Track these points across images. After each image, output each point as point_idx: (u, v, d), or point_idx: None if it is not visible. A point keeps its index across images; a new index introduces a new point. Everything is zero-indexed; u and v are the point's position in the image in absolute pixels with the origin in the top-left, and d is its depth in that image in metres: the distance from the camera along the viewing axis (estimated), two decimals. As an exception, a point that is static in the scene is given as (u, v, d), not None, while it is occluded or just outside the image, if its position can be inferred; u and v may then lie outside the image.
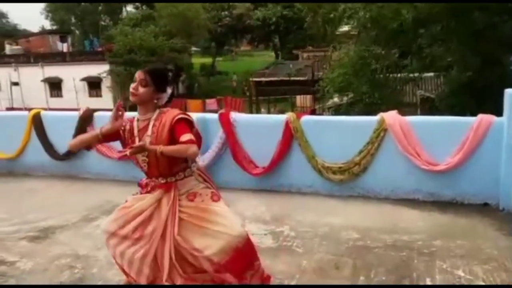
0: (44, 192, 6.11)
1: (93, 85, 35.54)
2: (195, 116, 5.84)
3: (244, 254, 2.88)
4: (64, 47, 40.58)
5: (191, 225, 2.86)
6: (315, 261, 3.79)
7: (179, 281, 2.87)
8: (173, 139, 2.80)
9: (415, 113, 16.16)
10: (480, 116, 4.91)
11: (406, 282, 3.44)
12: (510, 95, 4.64)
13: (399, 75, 12.90)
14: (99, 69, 33.81)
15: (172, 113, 2.87)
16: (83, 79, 34.94)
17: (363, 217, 4.78)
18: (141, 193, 3.03)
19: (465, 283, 3.39)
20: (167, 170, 2.90)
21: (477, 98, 10.53)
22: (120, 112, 2.88)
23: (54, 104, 33.33)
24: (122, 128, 2.97)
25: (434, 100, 16.19)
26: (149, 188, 2.98)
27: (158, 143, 2.79)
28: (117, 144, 6.20)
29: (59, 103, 33.36)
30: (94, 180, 6.46)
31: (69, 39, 44.46)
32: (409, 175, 5.14)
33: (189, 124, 2.86)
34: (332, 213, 4.89)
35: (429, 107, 16.85)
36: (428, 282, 3.42)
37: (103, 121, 6.42)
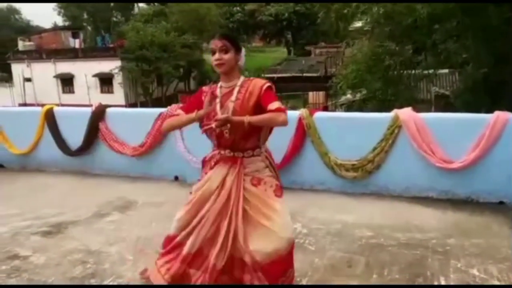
0: (56, 187, 6.14)
1: (105, 81, 35.74)
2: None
3: (284, 260, 2.80)
4: (76, 43, 40.78)
5: (247, 214, 2.80)
6: (327, 259, 3.76)
7: (219, 261, 2.78)
8: (259, 108, 2.74)
9: (429, 110, 16.03)
10: (497, 113, 4.83)
11: (420, 280, 3.39)
12: (528, 92, 4.56)
13: (413, 71, 12.75)
14: (110, 65, 33.95)
15: (259, 82, 2.83)
16: (95, 75, 35.16)
17: (376, 214, 4.74)
18: (204, 173, 2.99)
19: (480, 282, 3.34)
20: (240, 143, 2.84)
21: (492, 95, 10.38)
22: (214, 97, 2.78)
23: (66, 100, 33.64)
24: (205, 94, 2.88)
25: (449, 97, 16.02)
26: (212, 163, 2.93)
27: (242, 109, 2.74)
28: (129, 140, 6.28)
29: (71, 99, 33.67)
30: (106, 176, 6.47)
31: (81, 35, 44.63)
32: (423, 173, 5.08)
33: (275, 93, 2.82)
34: (344, 211, 4.85)
35: (444, 104, 16.68)
36: (442, 281, 3.37)
37: (115, 117, 6.49)
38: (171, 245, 3.01)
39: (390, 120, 5.13)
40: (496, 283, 3.33)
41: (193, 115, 2.80)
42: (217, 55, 2.77)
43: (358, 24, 14.92)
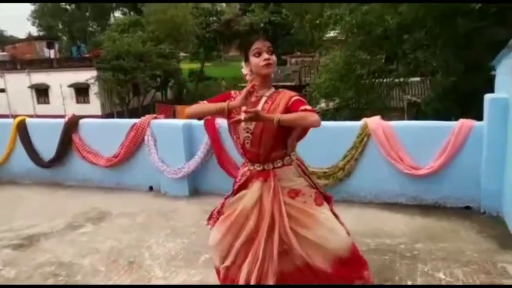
0: (29, 199, 6.08)
1: (81, 91, 35.31)
2: (180, 122, 5.89)
3: (348, 264, 2.66)
4: (51, 53, 40.34)
5: (293, 230, 2.64)
6: (299, 266, 3.81)
7: (270, 281, 2.61)
8: None
9: (402, 118, 16.34)
10: (461, 120, 4.99)
11: (389, 285, 3.48)
12: (490, 100, 4.73)
13: (385, 80, 13.02)
14: (86, 75, 33.57)
15: (288, 94, 2.69)
16: (71, 86, 34.71)
17: (347, 221, 4.69)
18: (234, 194, 2.84)
19: (446, 285, 3.44)
20: (267, 152, 2.67)
21: (462, 103, 10.66)
22: (252, 91, 2.56)
23: (41, 111, 33.13)
24: (231, 99, 2.71)
25: (420, 105, 16.35)
26: (243, 180, 2.79)
27: (266, 123, 2.57)
28: (103, 151, 6.26)
29: (46, 109, 33.17)
30: (80, 187, 6.44)
31: (56, 45, 44.17)
32: (393, 180, 5.20)
33: (306, 103, 2.64)
34: (316, 218, 4.92)
35: (416, 112, 17.02)
36: (410, 284, 3.46)
37: (88, 128, 6.47)
38: (225, 280, 2.78)
39: (359, 128, 5.25)
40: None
41: (224, 104, 2.61)
42: (265, 55, 2.61)
43: (332, 34, 15.17)
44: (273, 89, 2.74)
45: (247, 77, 2.72)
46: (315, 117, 2.48)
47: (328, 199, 2.86)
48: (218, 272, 2.85)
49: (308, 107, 2.55)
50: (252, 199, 2.70)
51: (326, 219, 2.69)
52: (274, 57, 2.64)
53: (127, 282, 3.64)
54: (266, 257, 2.63)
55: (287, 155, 2.74)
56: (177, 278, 3.68)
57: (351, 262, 2.68)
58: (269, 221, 2.64)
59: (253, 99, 2.65)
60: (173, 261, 4.00)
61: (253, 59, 2.64)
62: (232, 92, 2.83)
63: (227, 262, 2.73)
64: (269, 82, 2.73)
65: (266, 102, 2.68)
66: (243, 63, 2.75)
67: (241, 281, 2.66)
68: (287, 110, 2.58)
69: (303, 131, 2.83)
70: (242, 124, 2.62)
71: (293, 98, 2.63)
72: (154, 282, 3.64)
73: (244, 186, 2.79)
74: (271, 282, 2.61)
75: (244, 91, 2.54)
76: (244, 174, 2.82)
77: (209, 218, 2.96)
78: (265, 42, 2.64)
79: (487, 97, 4.83)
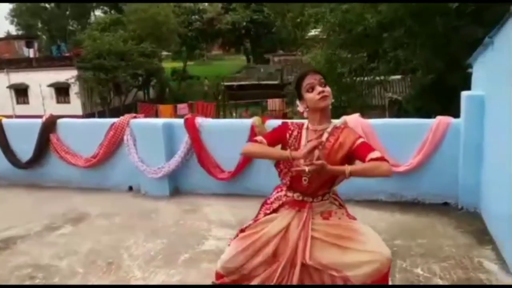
0: (6, 201, 5.98)
1: (61, 91, 34.83)
2: (160, 122, 5.86)
3: (384, 278, 2.53)
4: (30, 52, 39.71)
5: (329, 245, 2.53)
6: (279, 264, 3.82)
7: None
8: (346, 161, 2.50)
9: (383, 115, 16.50)
10: (439, 117, 5.05)
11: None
12: (466, 97, 4.79)
13: (366, 78, 13.12)
14: (67, 75, 33.12)
15: (352, 134, 2.57)
16: (51, 85, 34.23)
17: (328, 219, 4.84)
18: (263, 213, 2.72)
19: (423, 281, 3.48)
20: (317, 187, 2.59)
21: (442, 100, 10.79)
22: (318, 144, 2.46)
23: (21, 111, 32.62)
24: (289, 131, 2.64)
25: (401, 103, 16.52)
26: (276, 205, 2.69)
27: (329, 159, 2.45)
28: (82, 151, 6.18)
29: (26, 110, 32.66)
30: (58, 188, 6.35)
31: (36, 45, 43.50)
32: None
33: (371, 146, 2.57)
34: (297, 216, 4.93)
35: (397, 110, 17.19)
36: (389, 281, 3.48)
37: (66, 128, 6.39)
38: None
39: (339, 126, 5.26)
40: (439, 281, 3.48)
41: (287, 154, 2.48)
42: (319, 88, 2.49)
43: (314, 32, 15.23)
44: (333, 124, 2.60)
45: (305, 114, 2.62)
46: (386, 166, 2.41)
47: None
48: (218, 276, 2.73)
49: (377, 154, 2.45)
50: (279, 226, 2.61)
51: (365, 228, 2.59)
52: (328, 89, 2.53)
53: (105, 283, 3.61)
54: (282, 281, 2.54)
55: (329, 192, 2.67)
56: (156, 278, 3.66)
57: (386, 276, 2.56)
58: (292, 251, 2.54)
59: (312, 135, 2.57)
60: (152, 261, 3.98)
61: (308, 95, 2.53)
62: (289, 123, 2.71)
63: (235, 276, 2.64)
64: (327, 115, 2.59)
65: (328, 140, 2.55)
66: (297, 101, 2.65)
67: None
68: (350, 152, 2.51)
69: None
70: (301, 161, 2.45)
71: (358, 141, 2.53)
72: (133, 282, 3.61)
73: (276, 210, 2.69)
74: None
75: (311, 144, 2.42)
76: (279, 199, 2.71)
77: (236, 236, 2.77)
78: (315, 75, 2.53)
79: (464, 94, 4.89)
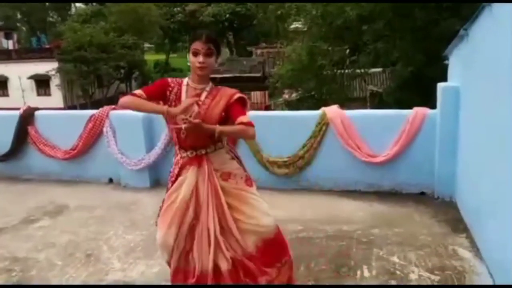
0: (-17, 194, 5.90)
1: (42, 83, 34.35)
2: (140, 114, 5.82)
3: (274, 245, 2.86)
4: (9, 44, 39.01)
5: (225, 210, 2.78)
6: (257, 254, 3.85)
7: (225, 265, 2.73)
8: (224, 117, 2.72)
9: (364, 108, 16.59)
10: (415, 109, 5.12)
11: (344, 270, 3.56)
12: (442, 89, 4.87)
13: (346, 70, 13.19)
14: (47, 67, 32.69)
15: (228, 91, 2.79)
16: (31, 77, 33.73)
17: (307, 209, 4.90)
18: (171, 182, 2.88)
19: (399, 268, 3.54)
20: (200, 141, 2.75)
21: (422, 92, 10.92)
22: (193, 103, 2.64)
23: (0, 104, 32.06)
24: (170, 89, 2.79)
25: (382, 95, 16.65)
26: (177, 169, 2.85)
27: (207, 116, 2.66)
28: (61, 143, 6.13)
29: (5, 102, 32.08)
30: (37, 181, 6.28)
31: (15, 36, 42.73)
32: (351, 167, 5.29)
33: (246, 105, 2.83)
34: (277, 207, 4.89)
35: (378, 102, 17.33)
36: (365, 269, 3.55)
37: (45, 120, 6.32)
38: (178, 276, 2.86)
39: (318, 117, 5.31)
40: (414, 268, 3.55)
41: (163, 108, 2.65)
42: (201, 58, 2.66)
43: (296, 25, 15.24)
44: (211, 84, 2.81)
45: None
46: (252, 131, 2.68)
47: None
48: (169, 265, 2.88)
49: (247, 118, 2.68)
50: (190, 187, 2.77)
51: (256, 200, 2.86)
52: (210, 60, 2.69)
53: (84, 275, 3.60)
54: (210, 242, 2.72)
55: (220, 141, 2.83)
56: (135, 269, 3.67)
57: (277, 243, 2.89)
58: (206, 205, 2.74)
59: (192, 92, 2.76)
60: (132, 253, 3.98)
61: (191, 58, 2.70)
62: (169, 80, 2.86)
63: (175, 255, 2.79)
64: (206, 78, 2.79)
65: (206, 97, 2.76)
66: (188, 54, 2.76)
67: (197, 272, 2.74)
68: (227, 107, 2.72)
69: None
70: (182, 115, 2.59)
71: (234, 97, 2.76)
72: (112, 274, 3.61)
73: (179, 174, 2.84)
74: (225, 265, 2.72)
75: (187, 101, 2.61)
76: (177, 163, 2.88)
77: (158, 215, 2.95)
78: (204, 44, 2.66)
79: (440, 85, 4.97)
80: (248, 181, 2.91)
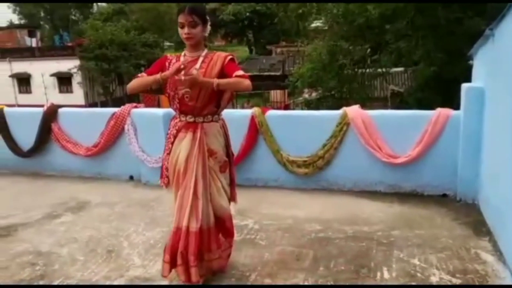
0: (8, 189, 6.01)
1: (64, 80, 34.85)
2: (160, 111, 5.86)
3: (224, 227, 3.33)
4: (32, 42, 39.67)
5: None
6: (277, 253, 3.85)
7: (194, 225, 3.09)
8: (221, 77, 3.01)
9: (385, 107, 16.45)
10: (439, 109, 5.05)
11: (364, 271, 3.53)
12: (466, 90, 4.79)
13: (367, 70, 13.08)
14: (69, 65, 33.13)
15: (222, 54, 3.13)
16: (53, 75, 34.25)
17: (326, 209, 4.88)
18: (169, 143, 3.22)
19: (420, 271, 3.50)
20: (202, 106, 3.10)
21: (444, 92, 10.77)
22: (182, 67, 2.95)
23: (23, 101, 32.65)
24: (169, 61, 3.18)
25: (403, 95, 16.49)
26: (175, 131, 3.20)
27: (205, 77, 2.97)
28: (83, 140, 6.22)
29: (28, 99, 32.69)
30: (59, 177, 6.39)
31: (38, 34, 43.46)
32: (371, 168, 5.25)
33: (237, 64, 3.17)
34: (296, 206, 4.97)
35: (399, 102, 17.17)
36: (385, 271, 3.52)
37: (68, 117, 6.42)
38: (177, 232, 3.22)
39: (338, 117, 5.29)
40: (435, 271, 3.50)
41: (157, 76, 3.01)
42: (186, 29, 3.01)
43: (317, 23, 15.17)
44: (206, 50, 3.15)
45: None
46: (247, 82, 2.97)
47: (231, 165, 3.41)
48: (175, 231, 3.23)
49: (241, 72, 3.02)
50: (185, 152, 3.12)
51: (219, 186, 3.22)
52: (195, 30, 3.02)
53: (105, 270, 3.64)
54: (189, 201, 3.11)
55: (217, 114, 3.21)
56: (155, 266, 3.68)
57: (225, 225, 3.34)
58: (191, 168, 3.10)
59: (189, 59, 3.11)
60: (152, 249, 4.01)
61: (179, 30, 3.06)
62: (169, 55, 3.29)
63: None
64: (202, 44, 3.15)
65: (203, 61, 3.10)
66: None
67: (173, 226, 3.19)
68: (222, 68, 3.05)
69: (232, 94, 3.29)
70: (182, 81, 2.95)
71: (228, 58, 3.10)
72: (133, 270, 3.64)
73: (176, 136, 3.20)
74: (194, 225, 3.10)
75: (175, 65, 2.97)
76: (176, 125, 3.22)
77: (161, 177, 3.39)
78: (187, 16, 2.98)
79: (464, 86, 4.89)
80: (223, 167, 3.26)
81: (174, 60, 3.17)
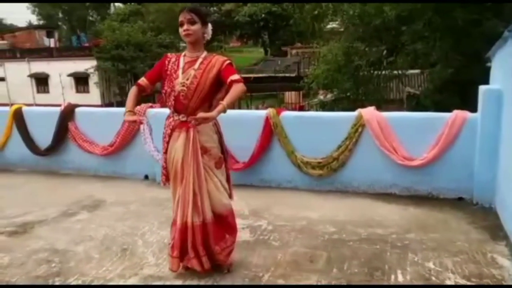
0: (25, 187, 6.10)
1: (81, 80, 35.26)
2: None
3: (224, 222, 3.39)
4: (51, 42, 40.21)
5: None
6: (290, 254, 3.84)
7: (197, 220, 3.26)
8: (217, 80, 3.20)
9: (401, 109, 16.31)
10: (455, 112, 5.00)
11: (378, 274, 3.50)
12: (484, 92, 4.73)
13: (383, 72, 12.99)
14: (86, 65, 33.51)
15: (221, 58, 3.27)
16: (70, 75, 34.67)
17: (340, 211, 4.85)
18: (165, 142, 3.38)
19: (435, 275, 3.46)
20: (195, 105, 3.22)
21: (461, 95, 10.65)
22: (137, 123, 3.35)
23: (41, 100, 33.05)
24: (168, 59, 3.34)
25: (419, 97, 16.33)
26: (169, 130, 3.33)
27: (202, 78, 3.18)
28: (99, 139, 6.28)
29: (45, 99, 33.08)
30: (75, 176, 6.48)
31: (56, 34, 44.03)
32: (386, 170, 5.22)
33: (234, 67, 3.29)
34: (310, 208, 4.96)
35: (415, 104, 17.01)
36: (399, 274, 3.49)
37: (84, 116, 6.50)
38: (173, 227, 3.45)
39: (354, 119, 5.26)
40: (451, 275, 3.45)
41: (125, 110, 3.27)
42: (185, 26, 3.16)
43: (333, 25, 15.11)
44: (205, 53, 3.29)
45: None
46: (242, 86, 3.10)
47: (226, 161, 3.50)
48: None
49: (236, 76, 3.14)
50: (180, 151, 3.24)
51: (217, 183, 3.33)
52: (193, 27, 3.16)
53: (120, 268, 3.67)
54: (190, 198, 3.23)
55: (209, 109, 3.23)
56: (169, 265, 3.70)
57: (227, 221, 3.40)
58: (188, 166, 3.21)
59: (188, 59, 3.27)
60: (166, 248, 3.99)
61: (179, 29, 3.20)
62: (169, 54, 3.43)
63: (173, 212, 3.41)
64: (201, 45, 3.29)
65: (202, 62, 3.23)
66: None
67: (178, 224, 3.31)
68: (219, 72, 3.19)
69: (226, 92, 3.26)
70: (179, 79, 3.20)
71: (226, 63, 3.23)
72: (147, 269, 3.66)
73: (170, 135, 3.33)
74: (197, 219, 3.25)
75: (130, 118, 3.24)
76: (169, 124, 3.34)
77: (162, 175, 3.53)
78: (186, 14, 3.15)
79: (481, 88, 4.84)
80: (218, 163, 3.37)
81: (173, 59, 3.31)
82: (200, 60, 3.22)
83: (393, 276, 3.46)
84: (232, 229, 3.46)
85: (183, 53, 3.32)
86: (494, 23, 9.02)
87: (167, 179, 3.47)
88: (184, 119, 3.24)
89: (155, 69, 3.41)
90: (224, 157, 3.47)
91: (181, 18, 3.18)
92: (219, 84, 3.23)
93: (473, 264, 3.60)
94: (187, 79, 3.19)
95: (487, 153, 4.74)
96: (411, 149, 5.08)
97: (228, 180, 3.52)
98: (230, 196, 3.50)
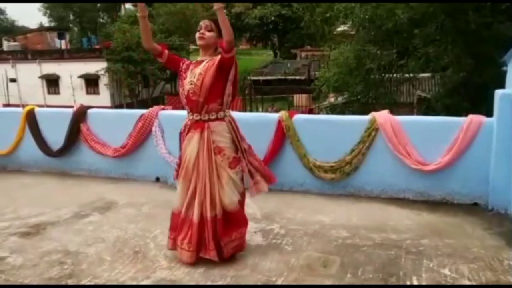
0: (37, 188, 6.12)
1: (91, 82, 35.52)
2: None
3: (232, 218, 3.59)
4: (62, 44, 40.54)
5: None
6: (303, 259, 3.81)
7: (208, 214, 3.52)
8: (220, 73, 3.47)
9: (412, 113, 16.23)
10: (470, 116, 4.94)
11: (393, 280, 3.46)
12: (500, 96, 4.67)
13: (394, 75, 12.91)
14: (97, 67, 33.76)
15: (219, 55, 3.51)
16: (81, 76, 34.92)
17: (353, 215, 4.81)
18: (182, 141, 3.62)
19: (451, 281, 3.42)
20: (205, 101, 3.47)
21: (472, 98, 10.57)
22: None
23: (52, 101, 33.34)
24: (183, 61, 3.68)
25: (430, 101, 16.23)
26: (187, 129, 3.59)
27: (206, 72, 3.46)
28: (111, 141, 6.29)
29: (56, 100, 33.38)
30: (87, 177, 6.48)
31: (67, 36, 44.35)
32: (400, 175, 5.17)
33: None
34: (322, 212, 4.92)
35: (426, 107, 16.91)
36: (415, 280, 3.44)
37: (96, 118, 6.51)
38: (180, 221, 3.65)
39: (367, 122, 5.22)
40: (467, 282, 3.40)
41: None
42: (202, 31, 3.52)
43: (343, 28, 15.07)
44: (214, 57, 3.55)
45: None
46: (232, 36, 3.39)
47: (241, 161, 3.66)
48: (173, 215, 3.75)
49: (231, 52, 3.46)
50: (194, 151, 3.51)
51: (228, 182, 3.53)
52: (209, 33, 3.51)
53: (132, 271, 3.66)
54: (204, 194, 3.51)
55: (221, 111, 3.56)
56: (181, 268, 3.68)
57: (234, 217, 3.61)
58: (202, 164, 3.48)
59: (196, 62, 3.60)
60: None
61: (196, 34, 3.54)
62: (185, 58, 3.81)
63: (184, 207, 3.61)
64: (210, 52, 3.59)
65: (207, 62, 3.53)
66: None
67: (195, 219, 3.54)
68: (219, 62, 3.46)
69: (234, 88, 3.64)
70: (188, 78, 3.51)
71: (224, 53, 3.46)
72: (159, 272, 3.65)
73: (186, 134, 3.59)
74: (208, 213, 3.51)
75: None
76: (186, 124, 3.62)
77: (175, 171, 3.80)
78: (206, 21, 3.53)
79: (498, 92, 4.77)
80: (232, 163, 3.56)
81: (187, 63, 3.67)
82: (206, 60, 3.55)
83: (408, 282, 3.41)
84: (240, 223, 3.70)
85: (194, 60, 3.67)
86: (507, 26, 8.93)
87: (178, 175, 3.67)
88: (197, 118, 3.52)
89: (175, 58, 3.75)
90: (243, 154, 3.66)
91: (200, 23, 3.55)
92: (225, 78, 3.51)
93: (489, 272, 3.54)
94: (194, 77, 3.49)
95: (503, 158, 4.67)
96: (425, 154, 5.03)
97: (261, 166, 3.87)
98: (271, 179, 3.95)
